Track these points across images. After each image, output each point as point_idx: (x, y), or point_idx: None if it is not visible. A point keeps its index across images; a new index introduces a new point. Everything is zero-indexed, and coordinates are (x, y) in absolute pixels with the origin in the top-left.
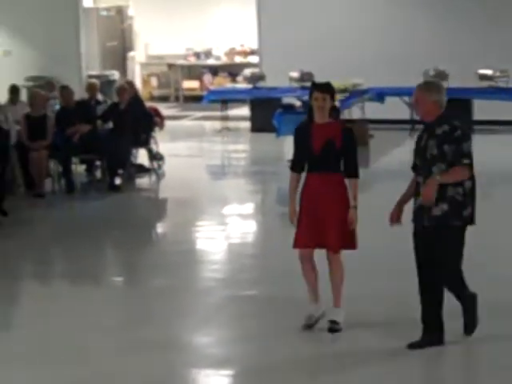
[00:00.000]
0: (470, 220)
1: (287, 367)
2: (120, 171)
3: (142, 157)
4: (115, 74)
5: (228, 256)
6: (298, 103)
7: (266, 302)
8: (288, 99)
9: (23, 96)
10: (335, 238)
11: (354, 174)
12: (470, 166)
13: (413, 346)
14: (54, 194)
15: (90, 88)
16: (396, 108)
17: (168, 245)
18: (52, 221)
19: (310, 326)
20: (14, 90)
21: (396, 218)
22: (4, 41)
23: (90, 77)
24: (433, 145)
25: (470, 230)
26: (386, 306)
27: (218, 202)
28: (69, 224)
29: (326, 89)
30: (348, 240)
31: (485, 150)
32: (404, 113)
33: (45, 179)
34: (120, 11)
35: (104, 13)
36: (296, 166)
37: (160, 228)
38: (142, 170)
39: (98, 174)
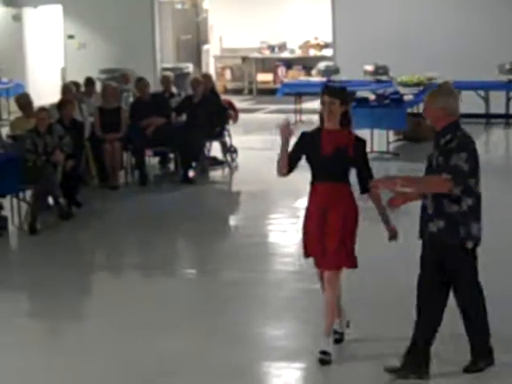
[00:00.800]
0: (473, 241)
1: (359, 360)
2: (193, 164)
3: (215, 150)
4: (189, 67)
5: (300, 249)
6: (372, 97)
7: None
8: (362, 93)
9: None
10: (335, 256)
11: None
12: (459, 180)
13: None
14: (128, 186)
15: (165, 81)
16: (471, 102)
17: (240, 237)
18: (125, 212)
19: (338, 341)
20: (88, 83)
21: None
22: (79, 34)
23: (165, 69)
24: (437, 156)
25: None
26: None
27: (290, 195)
28: (142, 216)
29: (336, 93)
30: (347, 257)
31: None
32: (479, 107)
33: (118, 171)
34: (195, 4)
35: (179, 6)
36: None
37: (233, 220)
38: (215, 162)
39: (172, 166)
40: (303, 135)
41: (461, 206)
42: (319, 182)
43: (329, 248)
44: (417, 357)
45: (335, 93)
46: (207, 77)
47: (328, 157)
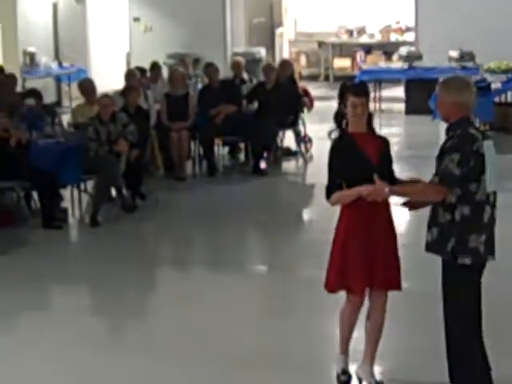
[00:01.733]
0: (470, 256)
1: (435, 365)
2: (265, 154)
3: (288, 139)
4: (262, 52)
5: None
6: None
7: (415, 296)
8: None
9: (165, 74)
10: (396, 275)
11: None
12: (446, 185)
13: None
14: (195, 178)
15: (235, 66)
16: None
17: (314, 233)
18: (192, 205)
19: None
20: (154, 68)
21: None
22: (145, 16)
23: (235, 54)
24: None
25: None
26: None
27: None
28: (210, 208)
29: (364, 92)
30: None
31: None
32: None
33: (186, 162)
34: None
35: None
36: (336, 187)
37: (306, 215)
38: (288, 153)
39: (242, 156)
40: (337, 145)
41: (454, 214)
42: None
43: (389, 267)
44: None
45: (363, 92)
46: (286, 63)
47: (376, 161)
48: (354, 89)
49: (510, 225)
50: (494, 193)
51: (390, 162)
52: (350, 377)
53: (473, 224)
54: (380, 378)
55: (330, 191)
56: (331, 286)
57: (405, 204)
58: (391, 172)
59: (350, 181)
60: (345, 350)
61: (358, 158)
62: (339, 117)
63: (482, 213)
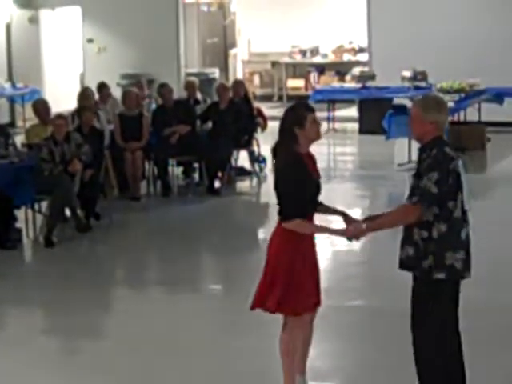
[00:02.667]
0: (445, 272)
1: (392, 381)
2: (219, 174)
3: (242, 159)
4: (216, 72)
5: (333, 264)
6: (410, 104)
7: (370, 312)
8: (399, 100)
9: (118, 95)
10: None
11: None
12: (425, 204)
13: None
14: (150, 197)
15: (189, 86)
16: None
17: None
18: (147, 225)
19: None
20: (102, 88)
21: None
22: (99, 37)
23: (189, 75)
24: (412, 175)
25: None
26: None
27: None
28: (165, 228)
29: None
30: None
31: None
32: None
33: (140, 182)
34: (222, 6)
35: (205, 8)
36: (305, 208)
37: (261, 234)
38: (242, 172)
39: (196, 176)
40: (299, 163)
41: (431, 232)
42: (309, 214)
43: (318, 284)
44: None
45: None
46: (239, 83)
47: (318, 184)
48: (308, 106)
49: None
50: (467, 211)
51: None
52: None
53: (450, 241)
54: None
55: (290, 216)
56: (305, 309)
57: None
58: None
59: (302, 201)
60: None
61: (309, 179)
62: (291, 139)
63: (460, 230)
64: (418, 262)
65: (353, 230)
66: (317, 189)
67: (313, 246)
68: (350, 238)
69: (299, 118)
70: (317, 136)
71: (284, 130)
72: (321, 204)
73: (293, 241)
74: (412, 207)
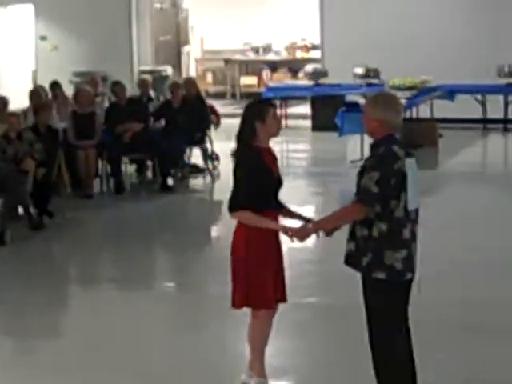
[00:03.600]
0: (386, 272)
1: (348, 379)
2: (172, 171)
3: (195, 156)
4: (168, 70)
5: (286, 261)
6: (362, 101)
7: (325, 309)
8: (352, 97)
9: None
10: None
11: None
12: (366, 203)
13: None
14: (103, 195)
15: (142, 84)
16: (467, 106)
17: (222, 249)
18: (100, 223)
19: None
20: (54, 86)
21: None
22: (51, 35)
23: (142, 72)
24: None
25: None
26: None
27: None
28: (118, 226)
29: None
30: None
31: None
32: (476, 111)
33: (93, 180)
34: (174, 4)
35: (158, 5)
36: (254, 200)
37: (214, 231)
38: (195, 170)
39: (149, 174)
40: (258, 161)
41: (371, 230)
42: (269, 211)
43: (282, 279)
44: None
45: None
46: (191, 81)
47: (277, 179)
48: (270, 102)
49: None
50: (416, 210)
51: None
52: None
53: (390, 240)
54: None
55: (239, 206)
56: (270, 304)
57: (325, 233)
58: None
59: (257, 196)
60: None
61: (268, 175)
62: (251, 133)
63: (401, 229)
64: (358, 258)
65: (297, 229)
66: (275, 185)
67: (277, 243)
68: (292, 238)
69: (261, 112)
70: (277, 131)
71: (245, 124)
72: (285, 208)
73: (255, 238)
74: (356, 206)
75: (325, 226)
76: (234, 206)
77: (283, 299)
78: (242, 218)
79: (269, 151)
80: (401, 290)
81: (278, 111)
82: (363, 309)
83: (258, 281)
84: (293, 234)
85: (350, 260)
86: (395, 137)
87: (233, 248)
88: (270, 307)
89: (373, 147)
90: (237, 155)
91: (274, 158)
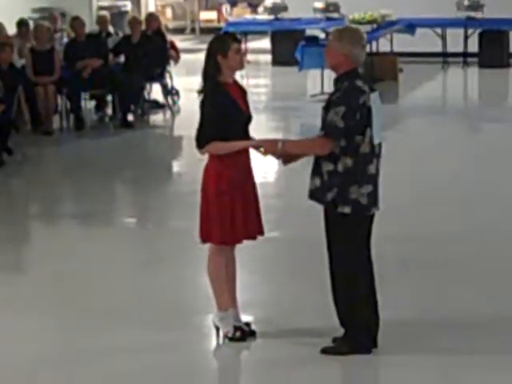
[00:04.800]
0: (350, 207)
1: (309, 311)
2: (132, 107)
3: (155, 92)
4: (127, 5)
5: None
6: (322, 35)
7: (287, 243)
8: (312, 31)
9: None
10: (261, 223)
11: None
12: (331, 138)
13: (326, 351)
14: (63, 132)
15: (101, 20)
16: (427, 40)
17: (183, 184)
18: (60, 159)
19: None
20: (21, 24)
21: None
22: None
23: (101, 8)
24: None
25: None
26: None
27: None
28: (78, 162)
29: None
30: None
31: None
32: (436, 45)
33: (52, 116)
34: None
35: None
36: (221, 132)
37: (175, 167)
38: (155, 105)
39: (109, 110)
40: (223, 95)
41: (336, 165)
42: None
43: (254, 216)
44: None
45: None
46: (152, 16)
47: (247, 116)
48: (234, 35)
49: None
50: (379, 144)
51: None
52: (244, 330)
53: (355, 175)
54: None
55: (205, 140)
56: (230, 240)
57: (283, 159)
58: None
59: (225, 131)
60: (233, 302)
61: (234, 109)
62: (214, 68)
63: (368, 164)
64: (323, 193)
65: (265, 140)
66: (243, 119)
67: (248, 178)
68: (265, 153)
69: (223, 46)
70: (239, 66)
71: (208, 58)
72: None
73: (218, 173)
74: (322, 140)
75: (290, 148)
76: (201, 141)
77: (258, 234)
78: (213, 150)
79: (235, 85)
80: (365, 223)
81: None
82: (325, 242)
83: (231, 216)
84: (261, 144)
85: (315, 195)
86: (358, 71)
87: (204, 184)
88: (239, 241)
89: (336, 82)
90: (202, 91)
91: (243, 92)
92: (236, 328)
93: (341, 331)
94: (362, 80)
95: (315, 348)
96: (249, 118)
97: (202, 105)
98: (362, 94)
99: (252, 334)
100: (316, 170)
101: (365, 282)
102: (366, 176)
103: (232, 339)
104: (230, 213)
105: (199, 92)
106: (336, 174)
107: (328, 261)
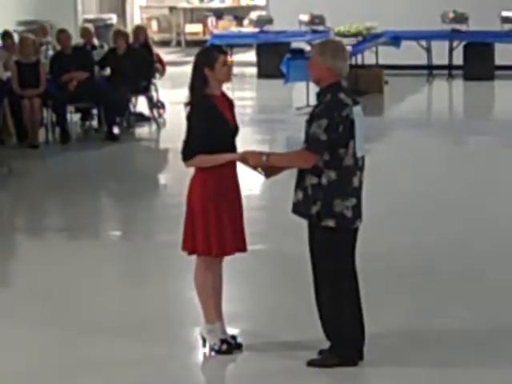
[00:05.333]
0: (335, 220)
1: (295, 324)
2: (118, 120)
3: (141, 105)
4: (113, 18)
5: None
6: (308, 48)
7: (271, 256)
8: (297, 44)
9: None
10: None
11: None
12: (313, 151)
13: (313, 363)
14: (48, 145)
15: (85, 33)
16: (412, 52)
17: (169, 197)
18: (46, 172)
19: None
20: (6, 36)
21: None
22: None
23: (87, 21)
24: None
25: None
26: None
27: None
28: (64, 175)
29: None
30: None
31: (507, 96)
32: (421, 58)
33: (38, 129)
34: None
35: None
36: (207, 146)
37: (160, 179)
38: (141, 118)
39: (95, 123)
40: (211, 107)
41: (320, 179)
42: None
43: (240, 228)
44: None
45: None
46: (140, 28)
47: (234, 128)
48: (220, 48)
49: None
50: (362, 157)
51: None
52: (230, 343)
53: (339, 189)
54: (236, 338)
55: (191, 153)
56: (216, 252)
57: (266, 171)
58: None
59: (212, 144)
60: (219, 316)
61: (221, 121)
62: (201, 80)
63: (351, 177)
64: (307, 207)
65: (251, 151)
66: (230, 132)
67: (235, 191)
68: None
69: (210, 59)
70: (226, 78)
71: (195, 71)
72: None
73: (203, 184)
74: (306, 153)
75: (275, 161)
76: (187, 154)
77: (243, 248)
78: (198, 163)
79: (222, 98)
80: (349, 236)
81: None
82: (308, 256)
83: (217, 228)
84: (245, 156)
85: (298, 209)
86: (341, 84)
87: (189, 196)
88: (227, 253)
89: (319, 95)
90: (189, 104)
91: (230, 105)
92: (222, 341)
93: (327, 344)
94: (345, 93)
95: (301, 360)
96: (236, 131)
97: (189, 117)
98: (345, 107)
99: (238, 346)
100: (300, 184)
101: (350, 295)
102: (350, 189)
103: (218, 352)
104: (216, 224)
105: (186, 104)
106: (320, 188)
107: (312, 275)
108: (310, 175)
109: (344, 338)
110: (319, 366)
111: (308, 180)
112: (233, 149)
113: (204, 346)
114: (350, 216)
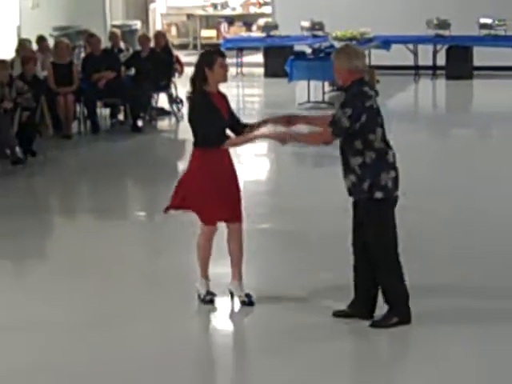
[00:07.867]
0: (381, 191)
1: (300, 299)
2: (142, 114)
3: (162, 101)
4: (137, 24)
5: (243, 193)
6: (308, 50)
7: (279, 234)
8: (299, 47)
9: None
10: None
11: None
12: (335, 133)
13: (376, 325)
14: (80, 136)
15: (112, 37)
16: (401, 55)
17: None
18: (78, 160)
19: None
20: (40, 40)
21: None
22: None
23: (114, 26)
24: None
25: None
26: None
27: None
28: (94, 163)
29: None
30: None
31: (484, 93)
32: (408, 59)
33: (72, 122)
34: None
35: None
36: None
37: (180, 166)
38: (162, 112)
39: (121, 117)
40: (208, 101)
41: (364, 158)
42: (220, 148)
43: (238, 201)
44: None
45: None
46: (161, 34)
47: (226, 119)
48: (220, 51)
49: None
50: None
51: (232, 113)
52: (213, 296)
53: (381, 164)
54: (248, 291)
55: (219, 139)
56: (213, 220)
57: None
58: (238, 119)
59: (217, 130)
60: (206, 274)
61: (217, 116)
62: (202, 78)
63: (385, 156)
64: (360, 185)
65: (279, 136)
66: (225, 124)
67: (228, 169)
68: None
69: (209, 60)
70: (223, 78)
71: (197, 70)
72: (245, 126)
73: (209, 159)
74: (328, 134)
75: (298, 138)
76: (217, 142)
77: (236, 219)
78: (231, 144)
79: (218, 94)
80: (392, 206)
81: (235, 60)
82: (313, 233)
83: (205, 198)
84: (274, 136)
85: (355, 190)
86: (364, 79)
87: (189, 166)
88: (210, 224)
89: (346, 90)
90: (190, 98)
91: (225, 100)
92: (208, 292)
93: (330, 310)
94: (369, 86)
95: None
96: (228, 122)
97: (190, 112)
98: (369, 98)
99: (251, 304)
100: (347, 168)
101: (397, 258)
102: (388, 164)
103: (203, 300)
104: (210, 190)
105: (187, 98)
106: (366, 166)
107: (353, 251)
108: (354, 158)
109: (401, 297)
110: (383, 326)
111: (353, 162)
112: (225, 137)
113: (232, 298)
114: (391, 187)
